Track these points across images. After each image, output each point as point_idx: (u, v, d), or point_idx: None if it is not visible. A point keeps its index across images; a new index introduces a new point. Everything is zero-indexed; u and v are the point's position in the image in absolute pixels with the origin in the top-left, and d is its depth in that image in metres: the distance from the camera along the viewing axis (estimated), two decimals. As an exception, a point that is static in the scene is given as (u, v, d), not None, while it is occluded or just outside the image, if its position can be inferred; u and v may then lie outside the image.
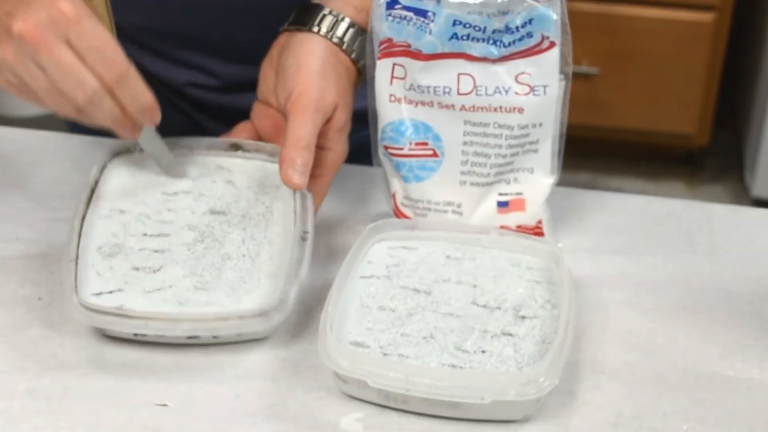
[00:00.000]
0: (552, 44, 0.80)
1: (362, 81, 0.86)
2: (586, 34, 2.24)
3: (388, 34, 0.81)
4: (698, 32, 2.24)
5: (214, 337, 0.74)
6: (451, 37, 0.80)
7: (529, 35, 0.80)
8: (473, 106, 0.81)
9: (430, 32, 0.80)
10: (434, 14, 0.80)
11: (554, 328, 0.72)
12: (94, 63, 0.72)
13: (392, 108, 0.83)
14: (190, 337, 0.74)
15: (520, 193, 0.85)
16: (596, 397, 0.72)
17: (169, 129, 1.05)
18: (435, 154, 0.84)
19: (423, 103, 0.82)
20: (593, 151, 2.50)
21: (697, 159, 2.53)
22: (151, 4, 0.94)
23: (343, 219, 0.89)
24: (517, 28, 0.79)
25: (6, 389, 0.71)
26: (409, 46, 0.80)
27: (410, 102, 0.83)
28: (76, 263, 0.75)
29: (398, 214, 0.87)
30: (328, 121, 0.82)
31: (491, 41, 0.80)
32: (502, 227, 0.84)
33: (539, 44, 0.80)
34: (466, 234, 0.81)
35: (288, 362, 0.74)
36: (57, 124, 1.08)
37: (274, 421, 0.70)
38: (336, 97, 0.82)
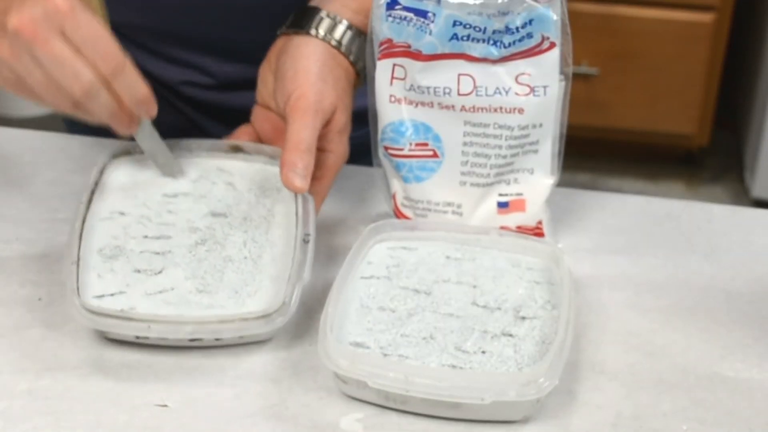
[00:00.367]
0: (552, 45, 0.80)
1: (361, 82, 0.86)
2: (586, 34, 2.24)
3: (388, 35, 0.81)
4: (698, 32, 2.24)
5: (217, 339, 0.74)
6: (451, 38, 0.80)
7: (529, 36, 0.80)
8: (473, 107, 0.81)
9: (430, 33, 0.80)
10: (434, 15, 0.80)
11: (554, 329, 0.72)
12: (89, 55, 0.72)
13: (392, 108, 0.83)
14: (192, 340, 0.74)
15: (520, 194, 0.85)
16: (596, 397, 0.72)
17: (165, 127, 1.05)
18: (435, 155, 0.84)
19: (423, 104, 0.82)
20: (593, 152, 2.50)
21: (697, 159, 2.53)
22: (145, 3, 0.94)
23: (344, 219, 0.89)
24: (517, 28, 0.79)
25: (6, 389, 0.71)
26: (409, 46, 0.81)
27: (410, 102, 0.83)
28: (78, 265, 0.75)
29: (398, 214, 0.87)
30: (327, 124, 0.82)
31: (491, 42, 0.80)
32: (502, 228, 0.84)
33: (539, 45, 0.80)
34: (466, 234, 0.81)
35: (288, 363, 0.75)
36: (57, 124, 1.08)
37: (274, 422, 0.70)
38: (335, 99, 0.82)
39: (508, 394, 0.67)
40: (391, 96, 0.83)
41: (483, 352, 0.71)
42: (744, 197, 2.40)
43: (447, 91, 0.81)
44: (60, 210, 0.89)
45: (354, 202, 0.92)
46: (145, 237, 0.79)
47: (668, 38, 2.25)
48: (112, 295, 0.74)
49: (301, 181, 0.79)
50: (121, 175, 0.84)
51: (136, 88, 0.75)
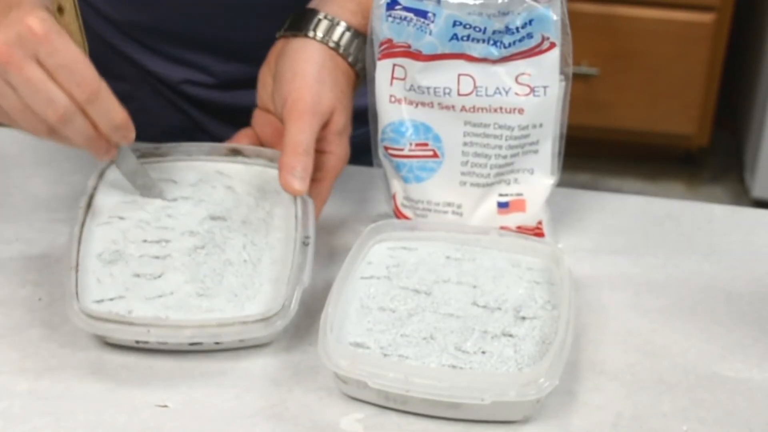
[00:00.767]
0: (552, 45, 0.80)
1: (360, 83, 0.86)
2: (586, 34, 2.24)
3: (388, 35, 0.81)
4: (698, 33, 2.24)
5: (217, 343, 0.74)
6: (451, 38, 0.80)
7: (529, 36, 0.80)
8: (473, 107, 0.81)
9: (430, 33, 0.80)
10: (434, 15, 0.80)
11: (554, 329, 0.72)
12: (64, 81, 0.71)
13: (392, 109, 0.83)
14: (192, 344, 0.73)
15: (520, 194, 0.85)
16: (596, 397, 0.72)
17: (166, 126, 1.05)
18: (435, 155, 0.84)
19: (423, 104, 0.82)
20: (593, 152, 2.50)
21: (696, 159, 2.53)
22: (146, 2, 0.94)
23: (344, 220, 0.89)
24: (517, 28, 0.79)
25: (6, 390, 0.71)
26: (409, 46, 0.81)
27: (410, 103, 0.83)
28: (77, 270, 0.75)
29: (398, 214, 0.87)
30: (327, 126, 0.82)
31: (491, 42, 0.80)
32: (502, 228, 0.84)
33: (539, 45, 0.80)
34: (466, 234, 0.81)
35: (288, 363, 0.74)
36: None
37: (275, 422, 0.70)
38: (333, 101, 0.82)
39: (508, 394, 0.67)
40: (391, 96, 0.83)
41: (483, 353, 0.71)
42: (744, 197, 2.40)
43: (447, 91, 0.81)
44: (60, 210, 0.89)
45: (354, 203, 0.92)
46: (144, 241, 0.79)
47: (668, 38, 2.25)
48: (111, 299, 0.74)
49: (299, 184, 0.78)
50: (120, 178, 0.83)
51: (112, 114, 0.74)
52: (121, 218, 0.80)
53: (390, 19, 0.80)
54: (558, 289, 0.76)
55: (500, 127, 0.82)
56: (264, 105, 0.87)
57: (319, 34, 0.83)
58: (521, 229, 0.85)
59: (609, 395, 0.72)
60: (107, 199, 0.82)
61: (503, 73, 0.81)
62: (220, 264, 0.77)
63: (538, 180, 0.85)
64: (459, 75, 0.81)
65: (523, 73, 0.81)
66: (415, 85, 0.81)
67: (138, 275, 0.76)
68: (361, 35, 0.84)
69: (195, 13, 0.94)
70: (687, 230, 0.90)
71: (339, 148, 0.83)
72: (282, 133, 0.81)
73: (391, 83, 0.82)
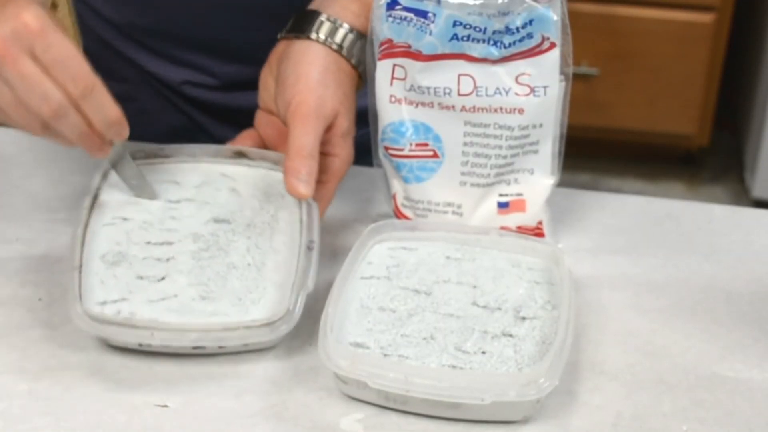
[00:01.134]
0: (552, 45, 0.80)
1: (363, 85, 0.86)
2: (586, 34, 2.24)
3: (388, 35, 0.81)
4: (698, 33, 2.24)
5: (220, 347, 0.73)
6: (452, 38, 0.80)
7: (530, 36, 0.80)
8: (473, 107, 0.81)
9: (431, 33, 0.80)
10: (434, 15, 0.80)
11: (554, 329, 0.72)
12: (58, 76, 0.71)
13: (392, 109, 0.83)
14: (195, 348, 0.73)
15: (520, 194, 0.85)
16: (596, 397, 0.72)
17: (166, 127, 1.05)
18: (435, 155, 0.84)
19: (423, 104, 0.82)
20: (593, 152, 2.50)
21: (696, 159, 2.53)
22: (146, 3, 0.94)
23: (344, 220, 0.89)
24: (517, 28, 0.79)
25: (6, 390, 0.71)
26: (409, 46, 0.81)
27: (410, 103, 0.83)
28: (80, 272, 0.75)
29: (398, 214, 0.87)
30: (331, 129, 0.82)
31: (491, 42, 0.80)
32: (503, 228, 0.84)
33: (539, 45, 0.80)
34: (466, 235, 0.81)
35: (288, 363, 0.74)
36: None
37: (275, 422, 0.70)
38: (336, 104, 0.82)
39: (508, 394, 0.67)
40: (391, 96, 0.83)
41: (483, 353, 0.71)
42: (744, 197, 2.40)
43: (447, 91, 0.81)
44: (60, 210, 0.89)
45: (354, 203, 0.92)
46: (148, 243, 0.78)
47: (668, 38, 2.25)
48: (114, 301, 0.74)
49: (305, 188, 0.78)
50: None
51: (106, 110, 0.74)
52: (125, 219, 0.80)
53: (390, 19, 0.80)
54: (558, 289, 0.76)
55: (500, 127, 0.82)
56: (266, 106, 0.87)
57: (322, 36, 0.83)
58: (521, 229, 0.85)
59: (609, 395, 0.72)
60: (111, 200, 0.81)
61: (503, 73, 0.81)
62: (223, 267, 0.77)
63: (538, 180, 0.85)
64: (459, 75, 0.81)
65: (523, 73, 0.81)
66: (416, 85, 0.81)
67: (141, 277, 0.76)
68: (363, 37, 0.83)
69: (195, 15, 0.94)
70: (687, 230, 0.90)
71: (343, 150, 0.83)
72: (285, 135, 0.81)
73: (391, 83, 0.82)
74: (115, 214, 0.80)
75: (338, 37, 0.83)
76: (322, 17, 0.83)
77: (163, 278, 0.76)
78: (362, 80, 0.85)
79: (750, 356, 0.76)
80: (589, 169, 2.50)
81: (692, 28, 2.24)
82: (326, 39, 0.83)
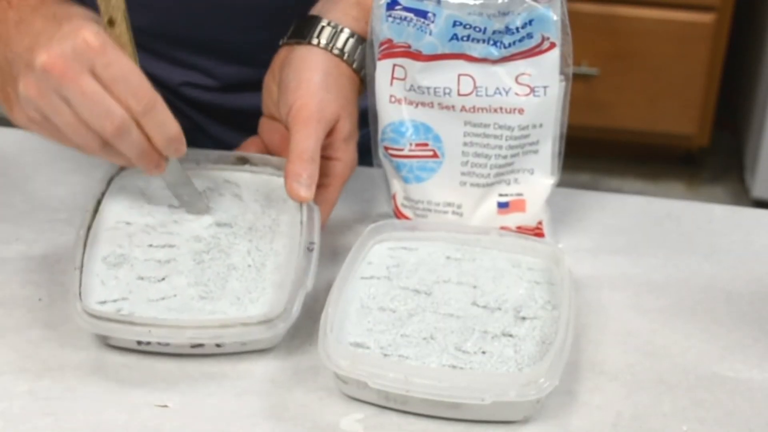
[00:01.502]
0: (552, 45, 0.80)
1: (365, 89, 0.86)
2: (586, 34, 2.24)
3: (388, 35, 0.81)
4: (698, 33, 2.24)
5: (218, 346, 0.74)
6: (451, 38, 0.80)
7: (530, 36, 0.80)
8: (473, 107, 0.81)
9: (430, 33, 0.80)
10: (434, 15, 0.80)
11: (554, 329, 0.72)
12: (120, 93, 0.70)
13: (392, 109, 0.83)
14: (193, 346, 0.73)
15: (520, 194, 0.85)
16: (596, 397, 0.72)
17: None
18: (435, 155, 0.84)
19: (423, 104, 0.82)
20: (593, 152, 2.50)
21: (696, 160, 2.53)
22: (145, 4, 0.94)
23: (344, 220, 0.89)
24: (517, 28, 0.79)
25: (6, 390, 0.71)
26: (409, 46, 0.81)
27: (410, 103, 0.83)
28: (81, 272, 0.75)
29: (398, 215, 0.87)
30: (332, 133, 0.82)
31: (491, 42, 0.80)
32: (503, 228, 0.84)
33: (539, 45, 0.80)
34: (466, 235, 0.81)
35: (288, 363, 0.74)
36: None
37: (274, 422, 0.70)
38: (338, 108, 0.82)
39: (509, 394, 0.67)
40: (391, 96, 0.83)
41: (483, 353, 0.71)
42: (744, 197, 2.40)
43: (447, 91, 0.81)
44: (60, 210, 0.89)
45: (354, 203, 0.92)
46: (150, 246, 0.79)
47: (668, 38, 2.25)
48: (114, 301, 0.74)
49: (305, 191, 0.78)
50: (128, 185, 0.83)
51: (167, 126, 0.73)
52: (128, 223, 0.80)
53: (390, 19, 0.80)
54: (558, 289, 0.76)
55: (500, 127, 0.82)
56: (269, 112, 0.87)
57: (323, 41, 0.83)
58: (521, 230, 0.85)
59: (609, 395, 0.72)
60: (115, 204, 0.82)
61: (503, 73, 0.81)
62: (224, 268, 0.77)
63: (538, 180, 0.85)
64: (459, 75, 0.81)
65: (523, 73, 0.81)
66: (415, 85, 0.81)
67: (142, 278, 0.76)
68: (364, 41, 0.83)
69: (194, 16, 0.94)
70: (687, 230, 0.90)
71: (346, 154, 0.83)
72: (288, 141, 0.81)
73: (391, 83, 0.82)
74: (119, 218, 0.81)
75: (339, 42, 0.83)
76: (323, 23, 0.83)
77: (163, 279, 0.76)
78: (364, 85, 0.85)
79: (750, 356, 0.76)
80: (589, 169, 2.50)
81: (692, 28, 2.24)
82: (327, 44, 0.83)
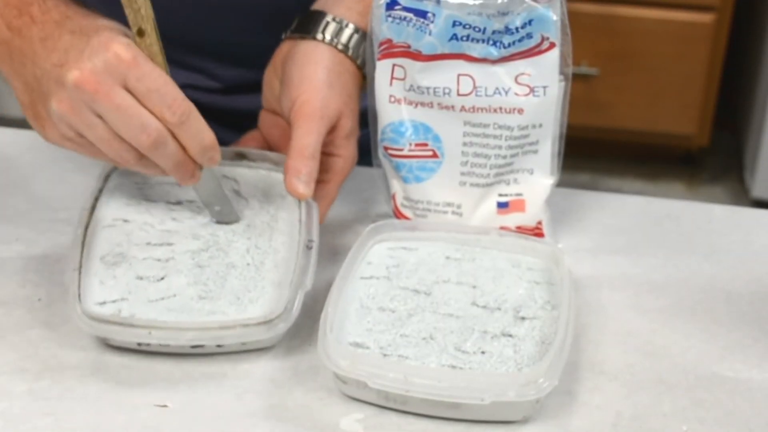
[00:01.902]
0: (552, 45, 0.80)
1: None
2: (585, 34, 2.24)
3: (387, 35, 0.81)
4: (698, 33, 2.25)
5: (218, 346, 0.73)
6: (451, 38, 0.80)
7: (529, 36, 0.80)
8: (473, 107, 0.81)
9: (430, 33, 0.80)
10: (434, 15, 0.80)
11: (554, 329, 0.72)
12: (155, 105, 0.70)
13: (392, 109, 0.83)
14: (193, 347, 0.73)
15: (519, 194, 0.85)
16: (596, 397, 0.72)
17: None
18: (435, 155, 0.84)
19: (423, 104, 0.82)
20: (593, 152, 2.50)
21: (696, 160, 2.53)
22: None
23: (344, 220, 0.89)
24: (516, 28, 0.79)
25: (6, 390, 0.71)
26: (408, 46, 0.81)
27: (410, 103, 0.83)
28: (79, 272, 0.75)
29: (398, 214, 0.87)
30: (334, 130, 0.82)
31: (491, 42, 0.80)
32: (502, 228, 0.84)
33: (539, 45, 0.80)
34: (465, 235, 0.81)
35: (288, 363, 0.74)
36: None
37: (274, 422, 0.70)
38: (340, 105, 0.81)
39: (508, 394, 0.67)
40: (390, 96, 0.83)
41: (483, 353, 0.71)
42: (744, 197, 2.40)
43: (447, 91, 0.81)
44: (60, 210, 0.89)
45: (354, 203, 0.92)
46: (148, 244, 0.78)
47: (668, 38, 2.25)
48: (113, 301, 0.74)
49: (304, 188, 0.78)
50: (125, 182, 0.83)
51: (202, 135, 0.73)
52: (126, 221, 0.80)
53: (390, 19, 0.80)
54: (558, 289, 0.76)
55: (500, 127, 0.82)
56: (270, 107, 0.87)
57: (328, 36, 0.83)
58: (521, 229, 0.85)
59: (609, 395, 0.72)
60: (112, 202, 0.81)
61: (503, 73, 0.81)
62: (223, 267, 0.77)
63: (537, 180, 0.85)
64: (459, 75, 0.81)
65: (522, 73, 0.81)
66: (415, 85, 0.81)
67: (141, 278, 0.76)
68: None
69: (197, 18, 0.93)
70: (687, 230, 0.90)
71: (347, 151, 0.83)
72: (288, 135, 0.81)
73: (391, 83, 0.82)
74: (116, 216, 0.80)
75: (344, 38, 0.83)
76: (328, 17, 0.83)
77: (162, 278, 0.76)
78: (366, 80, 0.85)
79: (750, 356, 0.76)
80: (589, 169, 2.50)
81: (692, 28, 2.24)
82: (332, 39, 0.82)
